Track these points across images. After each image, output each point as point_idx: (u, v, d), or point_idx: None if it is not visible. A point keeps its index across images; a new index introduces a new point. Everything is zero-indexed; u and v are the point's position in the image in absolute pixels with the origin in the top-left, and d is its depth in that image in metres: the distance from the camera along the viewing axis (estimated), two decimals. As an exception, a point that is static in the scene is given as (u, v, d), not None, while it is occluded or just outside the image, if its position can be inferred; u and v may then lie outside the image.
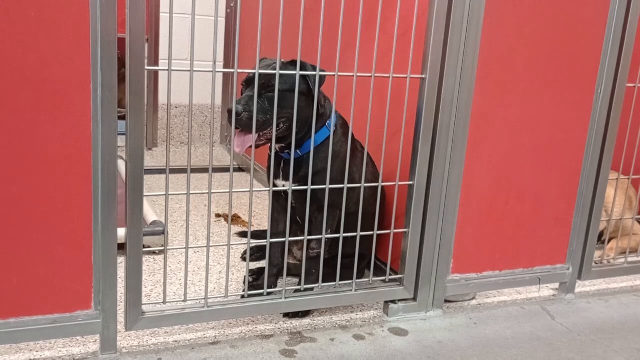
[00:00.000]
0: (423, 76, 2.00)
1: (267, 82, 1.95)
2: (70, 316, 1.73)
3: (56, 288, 1.70)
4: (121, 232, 1.72)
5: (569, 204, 2.37)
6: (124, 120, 1.66)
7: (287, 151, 2.09)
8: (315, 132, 2.04)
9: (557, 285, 2.51)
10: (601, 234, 2.76)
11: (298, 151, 2.07)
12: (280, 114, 1.94)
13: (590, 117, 2.30)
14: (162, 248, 2.49)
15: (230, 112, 1.88)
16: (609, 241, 2.80)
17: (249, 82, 2.02)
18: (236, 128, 1.94)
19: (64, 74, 1.58)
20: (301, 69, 1.90)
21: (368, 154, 2.16)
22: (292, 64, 2.00)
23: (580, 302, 2.45)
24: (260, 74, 1.85)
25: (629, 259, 2.58)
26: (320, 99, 2.05)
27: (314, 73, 1.95)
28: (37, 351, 1.81)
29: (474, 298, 2.40)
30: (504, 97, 2.14)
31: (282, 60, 1.96)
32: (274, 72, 1.86)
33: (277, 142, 2.03)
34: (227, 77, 4.47)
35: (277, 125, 1.98)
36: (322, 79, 1.98)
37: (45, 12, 1.53)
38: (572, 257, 2.43)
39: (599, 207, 2.40)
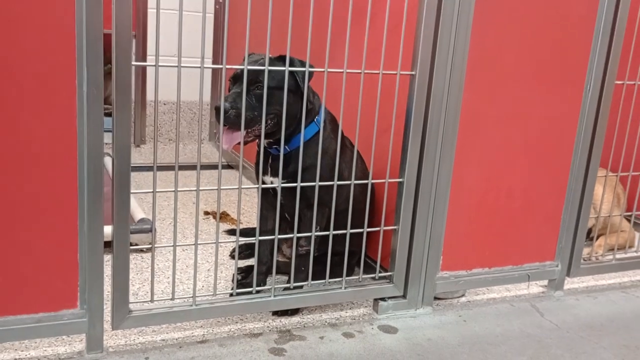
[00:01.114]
0: (413, 72, 1.99)
1: (254, 79, 1.93)
2: (56, 315, 1.71)
3: (41, 287, 1.68)
4: (108, 229, 1.70)
5: (558, 201, 2.37)
6: (111, 117, 1.64)
7: (275, 147, 2.08)
8: (304, 128, 2.03)
9: (546, 282, 2.51)
10: (589, 231, 2.78)
11: (286, 147, 2.06)
12: (268, 110, 1.92)
13: (580, 114, 2.30)
14: (150, 246, 2.47)
15: (217, 109, 1.86)
16: (597, 238, 2.81)
17: (236, 78, 2.00)
18: (224, 125, 1.92)
19: (49, 70, 1.55)
20: (289, 65, 1.89)
21: (357, 151, 2.15)
22: (279, 59, 1.98)
23: (569, 299, 2.45)
24: (247, 70, 1.84)
25: (617, 256, 2.59)
26: (308, 94, 2.04)
27: (303, 69, 1.93)
28: (22, 350, 1.78)
29: (463, 295, 2.40)
30: (494, 94, 2.14)
31: (270, 55, 1.94)
32: (262, 68, 1.84)
33: (265, 138, 2.02)
34: (215, 74, 4.45)
35: (265, 122, 1.97)
36: (310, 74, 1.97)
37: (30, 6, 1.50)
38: (561, 254, 2.44)
39: (588, 204, 2.41)
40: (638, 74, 2.41)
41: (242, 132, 1.91)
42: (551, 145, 2.29)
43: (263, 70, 1.84)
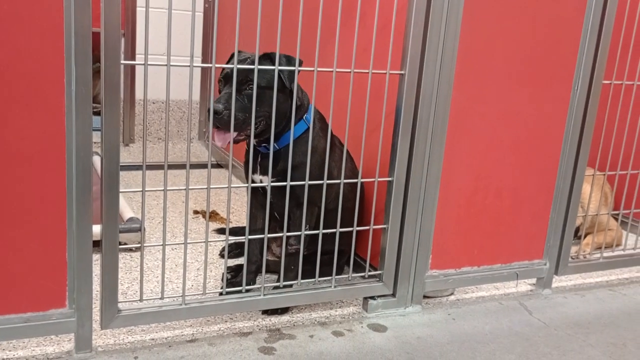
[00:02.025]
0: (402, 72, 2.00)
1: (244, 78, 1.93)
2: (44, 315, 1.70)
3: (29, 286, 1.67)
4: (96, 228, 1.70)
5: (547, 200, 2.39)
6: (100, 116, 1.63)
7: (264, 145, 2.08)
8: (293, 126, 2.03)
9: (534, 280, 2.53)
10: (577, 230, 2.79)
11: (276, 145, 2.06)
12: (259, 111, 1.92)
13: (568, 114, 2.32)
14: (139, 245, 2.46)
15: (209, 111, 1.86)
16: (585, 237, 2.83)
17: (227, 78, 2.00)
18: (217, 127, 1.91)
19: (38, 68, 1.55)
20: (273, 62, 1.88)
21: (347, 149, 2.15)
22: (265, 57, 1.97)
23: (557, 297, 2.47)
24: (237, 70, 1.84)
25: (605, 254, 2.61)
26: (297, 91, 2.04)
27: (292, 68, 1.93)
28: (10, 350, 1.77)
29: (452, 293, 2.41)
30: (483, 93, 2.15)
31: (255, 54, 1.93)
32: (252, 67, 1.84)
33: (255, 137, 2.02)
34: (205, 72, 4.44)
35: (256, 123, 1.97)
36: (298, 70, 1.96)
37: (18, 5, 1.49)
38: (549, 252, 2.45)
39: (576, 203, 2.42)
40: (625, 73, 2.43)
41: (232, 133, 1.90)
42: (539, 144, 2.30)
43: (254, 70, 1.84)
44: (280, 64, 1.93)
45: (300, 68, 1.93)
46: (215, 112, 1.87)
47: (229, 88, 1.94)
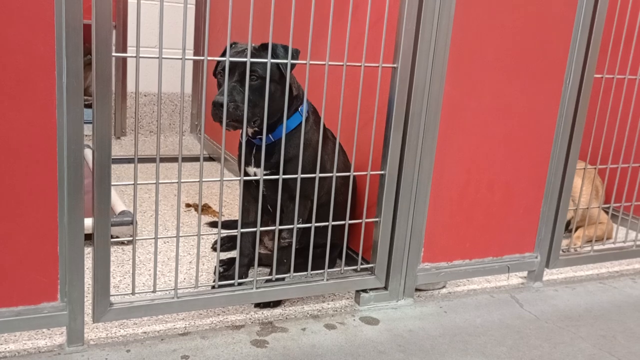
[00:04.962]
0: (395, 65, 2.00)
1: (246, 70, 1.91)
2: (35, 308, 1.69)
3: (20, 279, 1.66)
4: (88, 222, 1.69)
5: (538, 193, 2.40)
6: (91, 109, 1.63)
7: (259, 137, 2.07)
8: (288, 118, 2.02)
9: (525, 273, 2.54)
10: (568, 223, 2.81)
11: (270, 136, 2.05)
12: (262, 103, 1.91)
13: (559, 108, 2.33)
14: (131, 238, 2.46)
15: (215, 104, 1.85)
16: (576, 230, 2.84)
17: (230, 69, 1.96)
18: (219, 120, 1.88)
19: (28, 61, 1.53)
20: (273, 52, 1.87)
21: (339, 143, 2.15)
22: (264, 48, 1.96)
23: (547, 290, 2.49)
24: (239, 62, 1.83)
25: (595, 248, 2.63)
26: (292, 82, 2.03)
27: (285, 61, 1.92)
28: (1, 344, 1.77)
29: (444, 287, 2.42)
30: (475, 87, 2.15)
31: (253, 44, 1.92)
32: (245, 59, 1.83)
33: (251, 128, 2.02)
34: (197, 65, 4.42)
35: (258, 115, 1.95)
36: (294, 60, 1.95)
37: (7, -4, 1.48)
38: (540, 245, 2.46)
39: (567, 196, 2.44)
40: (617, 67, 2.44)
41: (224, 125, 1.89)
42: (531, 138, 2.31)
43: (256, 62, 1.83)
44: (278, 54, 1.92)
45: (294, 61, 1.92)
46: (221, 105, 1.85)
47: (229, 80, 1.92)
